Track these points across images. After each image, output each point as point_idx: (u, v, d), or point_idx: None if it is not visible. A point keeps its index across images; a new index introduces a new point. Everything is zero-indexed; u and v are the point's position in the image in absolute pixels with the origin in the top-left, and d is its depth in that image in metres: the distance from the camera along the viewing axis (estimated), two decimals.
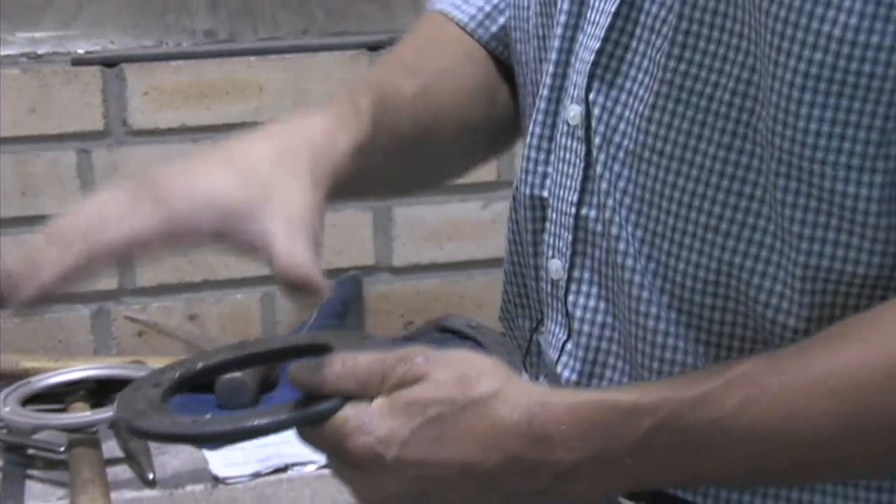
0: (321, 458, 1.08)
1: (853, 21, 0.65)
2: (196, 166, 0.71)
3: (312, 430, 0.69)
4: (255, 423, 0.68)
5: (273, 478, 1.25)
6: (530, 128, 0.83)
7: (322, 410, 0.68)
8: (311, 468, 1.25)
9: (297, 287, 0.67)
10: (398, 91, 0.84)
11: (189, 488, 1.23)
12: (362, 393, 0.68)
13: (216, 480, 1.23)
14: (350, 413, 0.68)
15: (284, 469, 1.25)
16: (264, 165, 0.71)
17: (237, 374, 1.31)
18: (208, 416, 0.70)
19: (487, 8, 0.92)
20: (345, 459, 0.68)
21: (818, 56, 0.66)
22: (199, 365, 0.76)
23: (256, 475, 1.24)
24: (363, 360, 0.69)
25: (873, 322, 0.67)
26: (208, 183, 0.69)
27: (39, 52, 1.52)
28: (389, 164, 0.84)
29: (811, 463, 0.69)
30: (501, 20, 0.92)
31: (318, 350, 0.76)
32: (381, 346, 0.76)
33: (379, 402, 0.68)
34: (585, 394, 0.73)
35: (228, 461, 1.25)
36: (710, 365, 0.74)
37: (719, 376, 0.68)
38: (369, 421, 0.68)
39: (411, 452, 0.67)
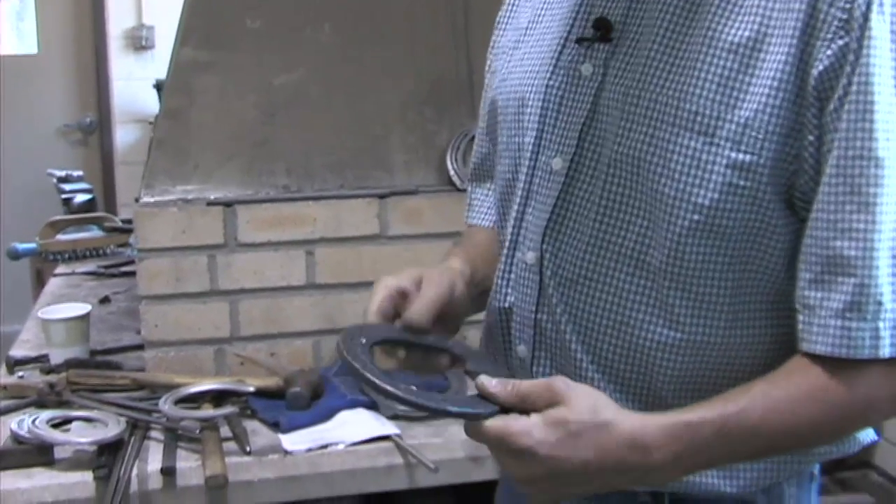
0: (349, 440, 1.44)
1: (715, 196, 0.79)
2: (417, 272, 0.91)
3: (481, 427, 0.75)
4: (453, 409, 0.76)
5: (318, 452, 1.50)
6: (500, 265, 0.94)
7: (489, 413, 0.76)
8: (340, 447, 1.50)
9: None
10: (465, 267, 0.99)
11: (270, 456, 1.49)
12: (521, 406, 0.76)
13: (285, 452, 1.49)
14: (513, 421, 0.75)
15: (325, 447, 1.51)
16: (434, 273, 0.92)
17: (298, 389, 1.58)
18: (413, 387, 0.77)
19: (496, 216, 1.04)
20: (508, 450, 0.75)
21: (695, 217, 0.80)
22: (385, 335, 0.84)
23: (309, 450, 1.50)
24: (524, 384, 0.77)
25: (803, 364, 0.78)
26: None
27: (188, 198, 1.78)
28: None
29: (801, 441, 0.81)
30: None
31: (454, 357, 0.86)
32: (493, 364, 0.85)
33: (536, 416, 0.75)
34: (669, 417, 0.78)
35: (293, 440, 1.51)
36: (723, 392, 0.80)
37: (743, 396, 0.76)
38: (532, 428, 0.75)
39: (555, 452, 0.74)
